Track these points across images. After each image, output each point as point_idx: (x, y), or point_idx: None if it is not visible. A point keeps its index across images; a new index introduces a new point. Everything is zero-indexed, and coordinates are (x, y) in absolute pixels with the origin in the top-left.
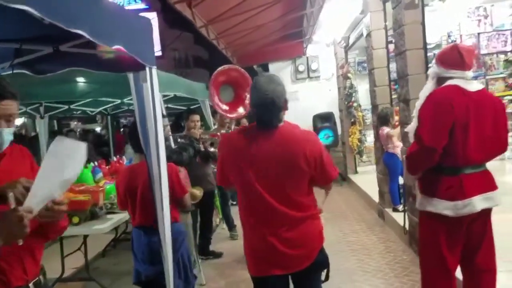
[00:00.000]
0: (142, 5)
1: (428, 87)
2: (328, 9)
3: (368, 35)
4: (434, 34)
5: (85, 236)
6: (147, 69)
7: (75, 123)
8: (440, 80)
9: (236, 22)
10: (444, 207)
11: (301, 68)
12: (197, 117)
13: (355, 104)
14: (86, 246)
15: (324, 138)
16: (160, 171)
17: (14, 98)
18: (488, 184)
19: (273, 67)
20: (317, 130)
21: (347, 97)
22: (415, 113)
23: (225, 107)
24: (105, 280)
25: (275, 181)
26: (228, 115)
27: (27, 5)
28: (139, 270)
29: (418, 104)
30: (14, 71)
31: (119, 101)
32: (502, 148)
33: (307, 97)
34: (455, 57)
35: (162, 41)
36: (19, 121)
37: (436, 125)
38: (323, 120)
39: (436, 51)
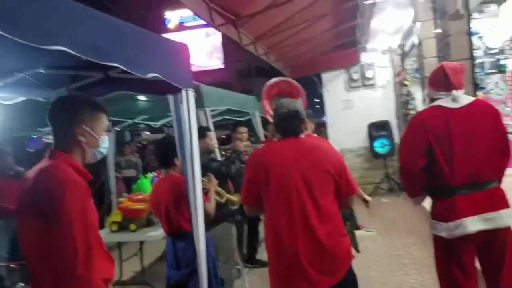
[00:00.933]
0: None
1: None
2: (381, 18)
3: (420, 43)
4: (496, 40)
5: (141, 242)
6: (183, 91)
7: (147, 133)
8: (432, 102)
9: (285, 36)
10: (440, 229)
11: (355, 76)
12: (243, 129)
13: (412, 112)
14: (142, 252)
15: (380, 147)
16: (194, 183)
17: (106, 112)
18: (490, 203)
19: (327, 77)
20: (372, 139)
21: (404, 104)
22: None
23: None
24: (161, 285)
25: (308, 189)
26: None
27: (62, 46)
28: (168, 275)
29: None
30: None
31: None
32: (507, 157)
33: (362, 106)
34: (441, 78)
35: (225, 54)
36: None
37: (409, 146)
38: (378, 128)
39: (499, 57)
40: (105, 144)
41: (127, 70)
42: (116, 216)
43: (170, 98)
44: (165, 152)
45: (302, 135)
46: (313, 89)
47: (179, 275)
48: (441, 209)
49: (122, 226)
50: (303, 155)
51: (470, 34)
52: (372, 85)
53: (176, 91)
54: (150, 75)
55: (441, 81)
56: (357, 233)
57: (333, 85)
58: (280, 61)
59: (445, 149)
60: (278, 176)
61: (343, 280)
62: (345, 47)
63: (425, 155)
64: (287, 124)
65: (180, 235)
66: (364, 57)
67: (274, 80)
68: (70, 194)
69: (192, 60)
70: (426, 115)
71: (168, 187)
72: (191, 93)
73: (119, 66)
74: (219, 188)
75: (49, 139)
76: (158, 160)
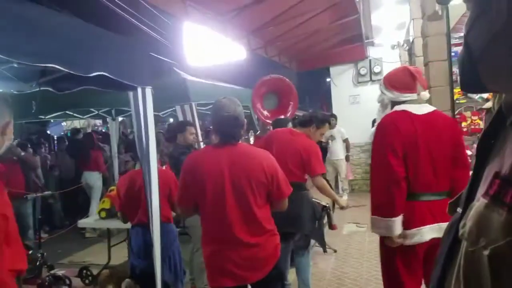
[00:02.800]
0: None
1: (385, 115)
2: (381, 13)
3: (412, 41)
4: None
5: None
6: (139, 89)
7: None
8: (394, 105)
9: (285, 29)
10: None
11: (363, 71)
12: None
13: None
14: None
15: None
16: (150, 177)
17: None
18: (445, 213)
19: (334, 71)
20: None
21: None
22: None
23: (266, 113)
24: None
25: (239, 192)
26: (268, 121)
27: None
28: (134, 263)
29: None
30: (41, 88)
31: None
32: (464, 168)
33: (369, 101)
34: (408, 80)
35: None
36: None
37: (395, 155)
38: None
39: None
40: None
41: (64, 70)
42: (105, 203)
43: (130, 94)
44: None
45: (240, 141)
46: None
47: (146, 264)
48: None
49: (111, 214)
50: (235, 163)
51: (449, 35)
52: (380, 81)
53: (133, 88)
54: (94, 74)
55: (407, 83)
56: (348, 228)
57: (341, 79)
58: (283, 54)
59: (413, 156)
60: (212, 185)
61: (270, 274)
62: (351, 41)
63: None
64: (226, 129)
65: (144, 225)
66: (372, 52)
67: (264, 78)
68: None
69: None
70: (395, 119)
71: (135, 181)
72: (148, 90)
73: (55, 66)
74: None
75: None
76: (134, 152)
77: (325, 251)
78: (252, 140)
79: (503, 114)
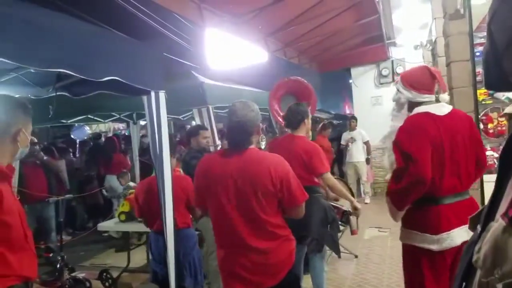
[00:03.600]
0: None
1: (402, 115)
2: (402, 13)
3: (435, 41)
4: None
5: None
6: (152, 93)
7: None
8: (412, 105)
9: (304, 31)
10: (425, 241)
11: (385, 72)
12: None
13: None
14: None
15: None
16: (163, 182)
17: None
18: (471, 214)
19: (355, 72)
20: None
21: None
22: (388, 144)
23: (282, 114)
24: None
25: (243, 200)
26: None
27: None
28: (155, 270)
29: (390, 134)
30: (57, 93)
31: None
32: (483, 166)
33: (391, 102)
34: (427, 80)
35: None
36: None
37: (423, 155)
38: None
39: None
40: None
41: (75, 75)
42: (124, 207)
43: (144, 98)
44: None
45: (251, 146)
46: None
47: (164, 270)
48: (426, 220)
49: (130, 216)
50: (241, 169)
51: (471, 34)
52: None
53: (146, 92)
54: (106, 78)
55: (426, 83)
56: (370, 232)
57: (362, 80)
58: (303, 55)
59: (439, 158)
60: (218, 190)
61: (284, 280)
62: (372, 42)
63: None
64: (234, 136)
65: (162, 231)
66: (395, 53)
67: (282, 80)
68: None
69: None
70: (421, 122)
71: (151, 186)
72: (162, 94)
73: (66, 72)
74: None
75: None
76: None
77: (339, 256)
78: (263, 145)
79: None
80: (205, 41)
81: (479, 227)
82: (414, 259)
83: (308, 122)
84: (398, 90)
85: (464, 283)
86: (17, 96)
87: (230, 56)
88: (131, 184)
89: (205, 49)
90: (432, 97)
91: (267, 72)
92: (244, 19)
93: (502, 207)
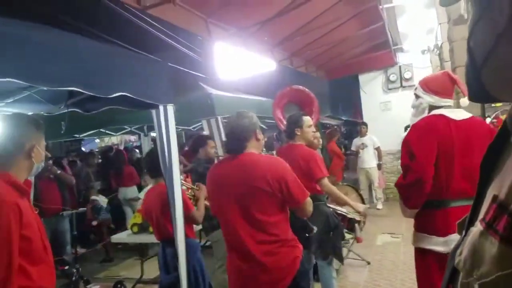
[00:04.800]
0: None
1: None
2: (407, 19)
3: (441, 46)
4: None
5: None
6: (160, 107)
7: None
8: (432, 110)
9: (310, 40)
10: (433, 243)
11: (392, 77)
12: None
13: None
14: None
15: None
16: (173, 192)
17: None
18: None
19: (363, 78)
20: None
21: None
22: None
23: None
24: None
25: (243, 203)
26: None
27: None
28: (161, 279)
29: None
30: (69, 109)
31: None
32: None
33: (400, 107)
34: (448, 85)
35: None
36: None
37: (425, 154)
38: None
39: None
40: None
41: (85, 92)
42: (137, 218)
43: (153, 112)
44: (153, 163)
45: (246, 151)
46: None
47: (167, 279)
48: (434, 222)
49: (143, 228)
50: (239, 173)
51: None
52: (411, 87)
53: (155, 106)
54: (116, 94)
55: (447, 88)
56: (382, 238)
57: (370, 86)
58: (310, 64)
59: (447, 162)
60: (220, 196)
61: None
62: (379, 48)
63: (434, 164)
64: (229, 143)
65: (168, 241)
66: (402, 58)
67: (284, 88)
68: None
69: None
70: (433, 123)
71: (156, 196)
72: (170, 107)
73: (77, 89)
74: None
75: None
76: (147, 169)
77: (342, 263)
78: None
79: (507, 128)
80: (213, 53)
81: (464, 232)
82: (425, 262)
83: (304, 131)
84: (418, 95)
85: (450, 286)
86: (29, 113)
87: (237, 67)
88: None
89: (214, 61)
90: (452, 102)
91: (274, 81)
92: (249, 32)
93: (481, 212)
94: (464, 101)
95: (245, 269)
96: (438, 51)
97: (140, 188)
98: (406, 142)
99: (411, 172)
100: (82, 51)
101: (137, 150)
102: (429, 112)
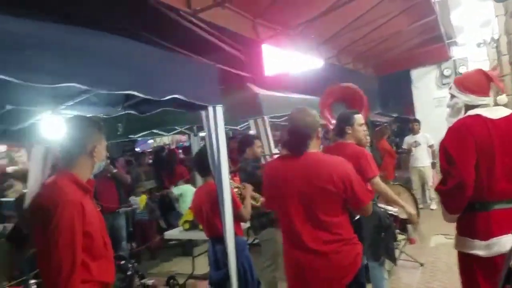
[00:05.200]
0: None
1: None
2: (465, 11)
3: (498, 39)
4: None
5: None
6: (209, 108)
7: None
8: (469, 109)
9: (358, 36)
10: (474, 247)
11: (446, 72)
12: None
13: None
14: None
15: None
16: (222, 191)
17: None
18: None
19: (415, 74)
20: None
21: None
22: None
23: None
24: None
25: (307, 203)
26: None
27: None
28: (211, 275)
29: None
30: (126, 111)
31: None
32: None
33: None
34: (484, 83)
35: None
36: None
37: (465, 158)
38: None
39: None
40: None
41: (142, 96)
42: (188, 215)
43: (203, 113)
44: (202, 162)
45: (310, 150)
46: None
47: (217, 275)
48: (476, 225)
49: (194, 225)
50: (304, 173)
51: None
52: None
53: (204, 107)
54: (169, 97)
55: (483, 85)
56: (436, 240)
57: (423, 82)
58: (358, 61)
59: (488, 162)
60: (282, 194)
61: (349, 285)
62: (432, 42)
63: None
64: (291, 141)
65: (217, 238)
66: (456, 52)
67: (331, 87)
68: (59, 214)
69: None
70: (469, 125)
71: (205, 194)
72: (219, 108)
73: (133, 93)
74: (255, 194)
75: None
76: (196, 168)
77: (395, 264)
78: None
79: None
80: (260, 53)
81: None
82: (468, 267)
83: (355, 129)
84: (453, 95)
85: (508, 286)
86: (89, 115)
87: (284, 66)
88: None
89: (260, 61)
90: (489, 100)
91: (321, 79)
92: (297, 31)
93: None
94: (502, 98)
95: (308, 266)
96: (495, 44)
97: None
98: (443, 147)
99: (451, 177)
100: (137, 56)
101: (180, 151)
102: (465, 112)
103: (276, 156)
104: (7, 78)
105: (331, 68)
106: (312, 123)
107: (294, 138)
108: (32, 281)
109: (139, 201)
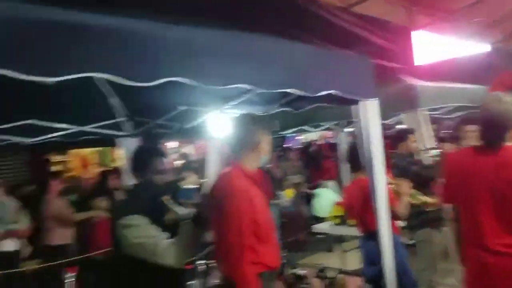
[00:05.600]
0: None
1: None
2: None
3: None
4: None
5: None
6: (360, 103)
7: None
8: None
9: None
10: None
11: None
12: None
13: None
14: None
15: None
16: (374, 187)
17: None
18: None
19: None
20: None
21: None
22: None
23: None
24: None
25: (500, 202)
26: None
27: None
28: (363, 271)
29: None
30: (282, 109)
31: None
32: None
33: None
34: None
35: None
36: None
37: None
38: None
39: None
40: None
41: (298, 94)
42: (338, 210)
43: (355, 108)
44: (354, 157)
45: (505, 143)
46: None
47: (371, 271)
48: None
49: (343, 220)
50: (500, 169)
51: None
52: None
53: (356, 102)
54: (323, 93)
55: None
56: None
57: None
58: None
59: None
60: (472, 190)
61: None
62: None
63: None
64: (486, 132)
65: (370, 234)
66: None
67: (501, 76)
68: (230, 202)
69: None
70: None
71: (357, 190)
72: (373, 102)
73: (292, 91)
74: (413, 190)
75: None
76: (349, 163)
77: None
78: None
79: None
80: (414, 43)
81: None
82: None
83: None
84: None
85: None
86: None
87: (442, 54)
88: None
89: (414, 50)
90: None
91: (485, 66)
92: (458, 14)
93: None
94: None
95: (490, 269)
96: None
97: None
98: None
99: None
100: (292, 55)
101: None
102: None
103: (457, 149)
104: (188, 82)
105: (499, 53)
106: (509, 112)
107: (490, 129)
108: (201, 261)
109: (286, 194)
